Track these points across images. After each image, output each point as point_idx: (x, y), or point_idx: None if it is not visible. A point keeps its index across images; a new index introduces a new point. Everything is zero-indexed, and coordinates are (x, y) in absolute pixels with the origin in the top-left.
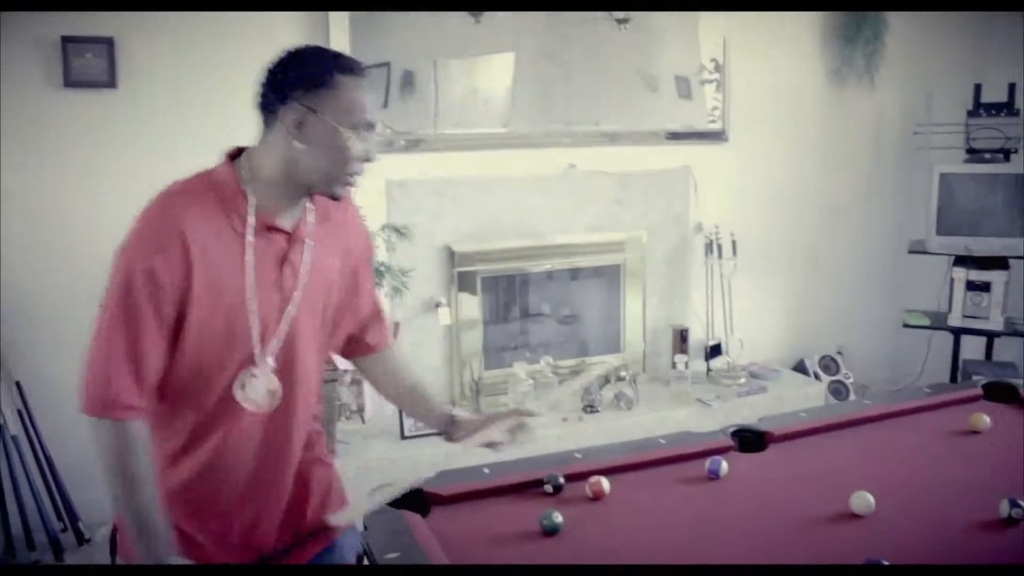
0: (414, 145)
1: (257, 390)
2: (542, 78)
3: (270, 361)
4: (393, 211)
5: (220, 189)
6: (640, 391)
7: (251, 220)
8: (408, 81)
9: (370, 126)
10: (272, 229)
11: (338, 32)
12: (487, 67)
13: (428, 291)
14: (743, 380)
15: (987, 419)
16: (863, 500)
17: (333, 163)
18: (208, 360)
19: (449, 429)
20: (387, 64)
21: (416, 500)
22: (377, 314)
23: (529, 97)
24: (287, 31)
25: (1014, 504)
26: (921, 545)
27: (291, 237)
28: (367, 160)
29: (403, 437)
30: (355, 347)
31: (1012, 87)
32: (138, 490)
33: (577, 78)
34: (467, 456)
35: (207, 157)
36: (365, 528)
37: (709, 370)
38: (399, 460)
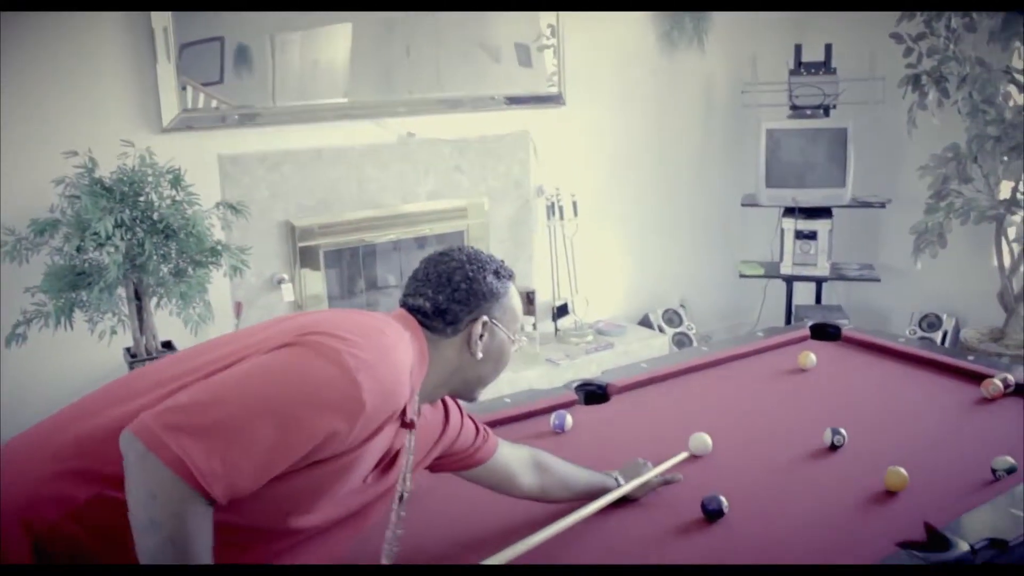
0: (249, 119)
1: None
2: (382, 49)
3: None
4: (228, 187)
5: (418, 370)
6: None
7: (410, 413)
8: (243, 55)
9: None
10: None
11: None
12: (325, 38)
13: (269, 268)
14: (590, 338)
15: (813, 357)
16: (700, 441)
17: (496, 371)
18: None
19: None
20: (220, 39)
21: None
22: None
23: (370, 67)
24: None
25: (836, 432)
26: (757, 478)
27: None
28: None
29: None
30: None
31: (829, 47)
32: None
33: (418, 48)
34: None
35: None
36: None
37: (557, 330)
38: None
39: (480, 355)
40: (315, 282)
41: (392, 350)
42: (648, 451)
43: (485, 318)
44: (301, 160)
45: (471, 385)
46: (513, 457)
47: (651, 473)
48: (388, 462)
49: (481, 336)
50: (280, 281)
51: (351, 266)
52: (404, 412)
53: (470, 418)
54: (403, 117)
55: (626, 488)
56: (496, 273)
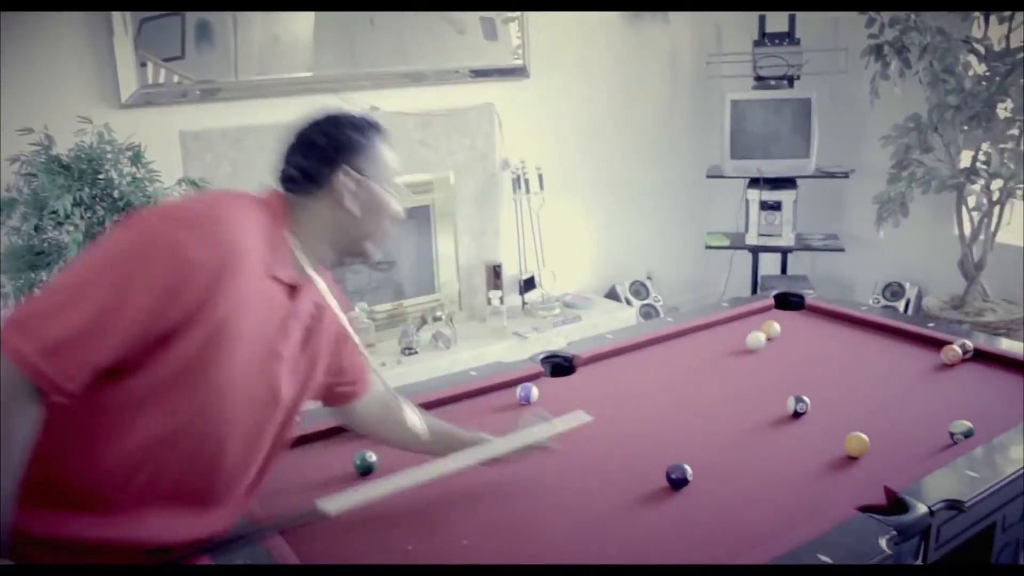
0: (210, 95)
1: None
2: (345, 22)
3: None
4: (190, 164)
5: (272, 228)
6: (458, 329)
7: (294, 272)
8: (204, 31)
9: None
10: (295, 288)
11: None
12: (287, 12)
13: None
14: (558, 311)
15: (777, 326)
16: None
17: (379, 225)
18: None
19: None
20: (181, 14)
21: None
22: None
23: (333, 41)
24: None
25: (799, 400)
26: (721, 446)
27: (301, 294)
28: (400, 218)
29: None
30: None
31: (792, 18)
32: (8, 468)
33: (382, 21)
34: None
35: None
36: None
37: (524, 303)
38: None
39: (357, 210)
40: None
41: (217, 205)
42: (614, 422)
43: (347, 168)
44: (264, 135)
45: (358, 241)
46: (389, 397)
47: (517, 442)
48: (305, 337)
49: (352, 191)
50: None
51: None
52: (284, 255)
53: None
54: (367, 91)
55: (500, 449)
56: (354, 126)
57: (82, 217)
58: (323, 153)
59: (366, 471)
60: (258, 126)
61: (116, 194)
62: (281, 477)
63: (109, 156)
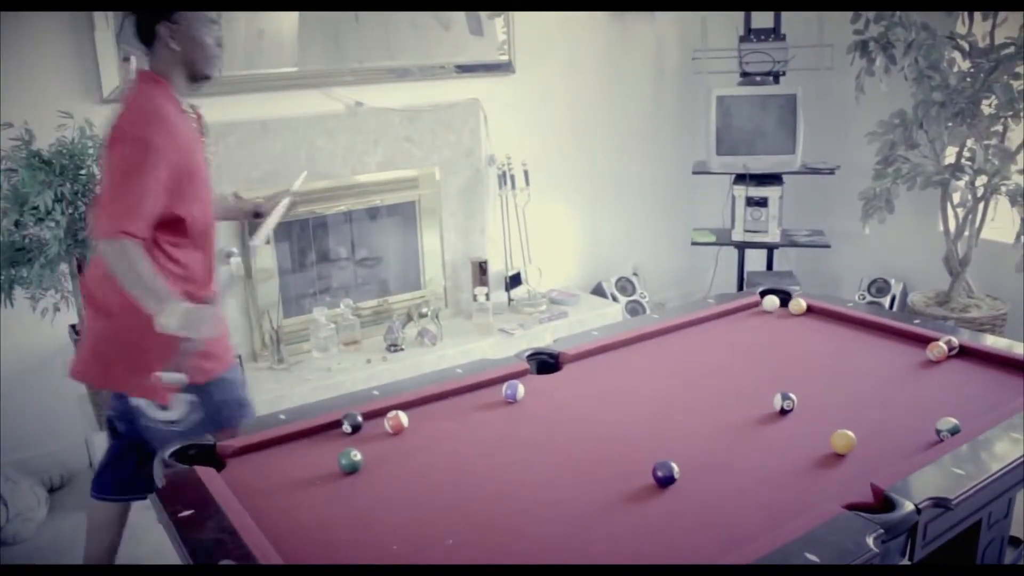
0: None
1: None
2: (331, 18)
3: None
4: None
5: (164, 86)
6: (443, 326)
7: (178, 106)
8: None
9: (212, 22)
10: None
11: None
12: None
13: (218, 243)
14: (544, 307)
15: (803, 303)
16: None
17: (204, 53)
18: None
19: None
20: None
21: (210, 454)
22: None
23: (318, 36)
24: None
25: (785, 396)
26: (707, 444)
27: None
28: (220, 45)
29: None
30: None
31: (778, 14)
32: (151, 276)
33: (367, 16)
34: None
35: None
36: (157, 488)
37: (510, 300)
38: None
39: (177, 47)
40: (265, 255)
41: (144, 103)
42: (598, 419)
43: (163, 24)
44: (247, 131)
45: (194, 66)
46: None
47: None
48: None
49: (171, 36)
50: (229, 255)
51: (301, 239)
52: (175, 99)
53: None
54: (352, 86)
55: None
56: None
57: (63, 213)
58: (145, 24)
59: (351, 470)
60: (242, 121)
61: (98, 190)
62: (268, 475)
63: (91, 151)
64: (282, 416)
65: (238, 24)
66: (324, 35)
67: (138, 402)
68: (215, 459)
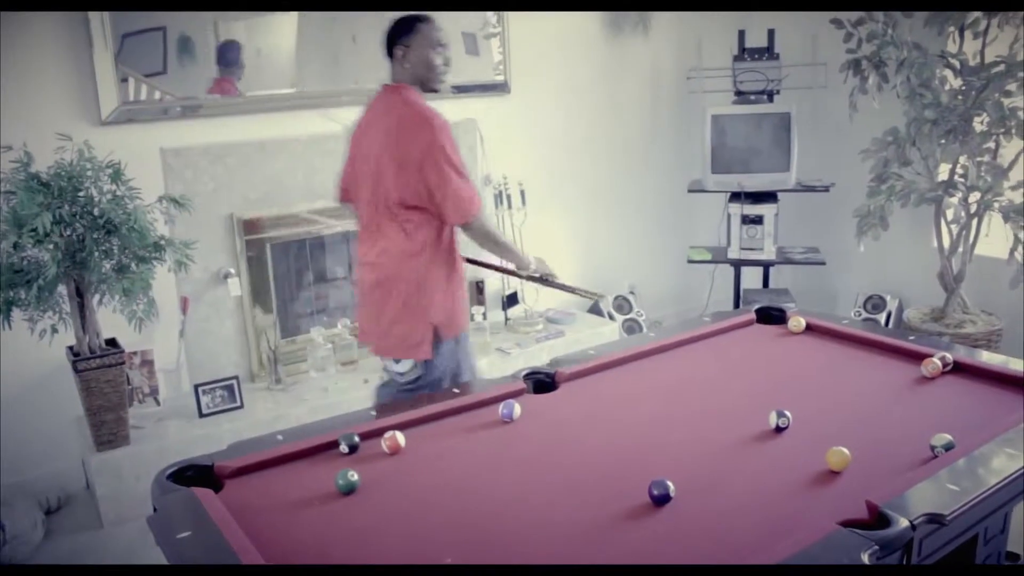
0: (192, 111)
1: None
2: (328, 38)
3: None
4: (171, 181)
5: (410, 90)
6: None
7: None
8: (186, 46)
9: (440, 44)
10: None
11: None
12: (269, 28)
13: (216, 263)
14: (541, 326)
15: (802, 321)
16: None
17: (431, 69)
18: None
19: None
20: (162, 28)
21: (208, 476)
22: None
23: (316, 57)
24: None
25: (781, 414)
26: (703, 462)
27: None
28: (447, 65)
29: (201, 415)
30: None
31: (771, 33)
32: (505, 238)
33: (364, 37)
34: (264, 427)
35: None
36: (155, 509)
37: (507, 319)
38: (199, 439)
39: (409, 65)
40: (262, 275)
41: (405, 103)
42: (594, 438)
43: (398, 46)
44: (245, 152)
45: (423, 81)
46: None
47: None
48: None
49: (404, 56)
50: (227, 275)
51: (299, 259)
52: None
53: None
54: (349, 107)
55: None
56: (404, 22)
57: (61, 235)
58: (389, 41)
59: (348, 490)
60: (240, 142)
61: (96, 212)
62: (266, 496)
63: (89, 173)
64: (279, 437)
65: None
66: (322, 56)
67: (385, 360)
68: (213, 480)
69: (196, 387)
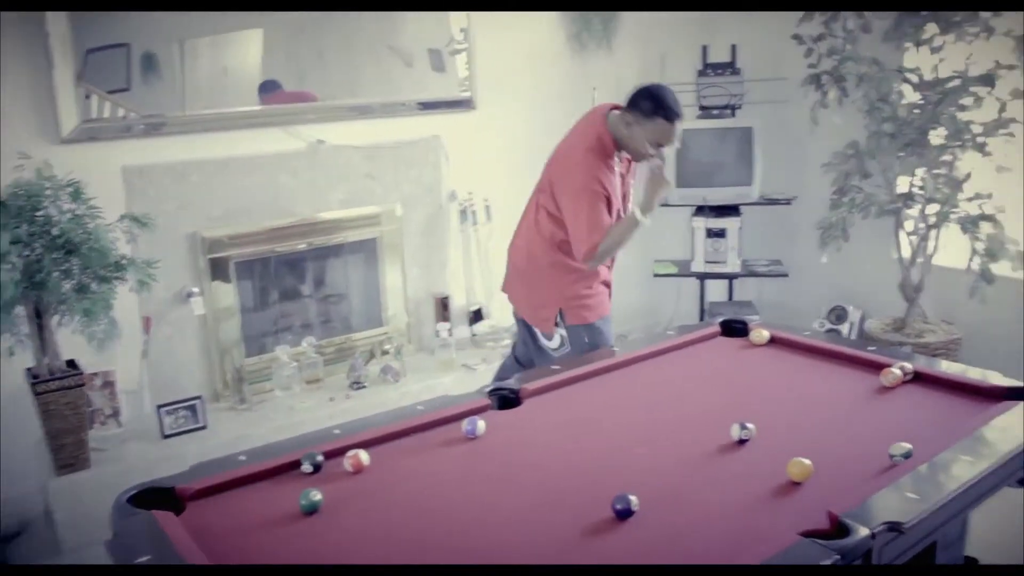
0: (154, 129)
1: None
2: (294, 54)
3: None
4: (133, 200)
5: (608, 144)
6: (406, 362)
7: (617, 161)
8: (150, 63)
9: (660, 146)
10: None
11: (56, 16)
12: (235, 45)
13: (179, 282)
14: (507, 341)
15: (765, 333)
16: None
17: (633, 148)
18: None
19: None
20: (126, 45)
21: (170, 498)
22: None
23: (283, 74)
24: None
25: (743, 426)
26: (666, 475)
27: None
28: (655, 155)
29: (164, 436)
30: None
31: (734, 48)
32: (620, 234)
33: (330, 54)
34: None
35: None
36: (114, 534)
37: (473, 335)
38: (162, 460)
39: (626, 129)
40: (226, 294)
41: (588, 153)
42: (557, 453)
43: (636, 113)
44: (209, 170)
45: (626, 147)
46: None
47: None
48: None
49: (631, 121)
50: (190, 294)
51: (263, 277)
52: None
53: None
54: (315, 124)
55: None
56: (657, 104)
57: (19, 255)
58: (635, 97)
59: (311, 510)
60: (205, 160)
61: (55, 231)
62: (228, 517)
63: (48, 193)
64: (242, 457)
65: (202, 61)
66: (288, 73)
67: (536, 331)
68: (174, 503)
69: (159, 408)
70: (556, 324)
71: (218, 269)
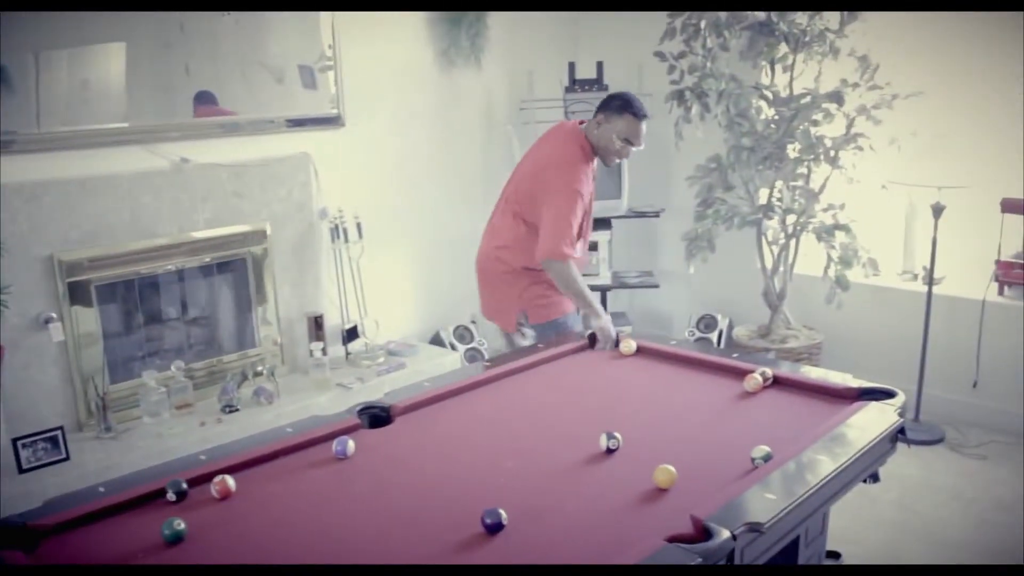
0: (4, 146)
1: None
2: (161, 69)
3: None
4: None
5: (587, 150)
6: (280, 383)
7: (594, 165)
8: (1, 76)
9: (629, 143)
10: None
11: None
12: (96, 58)
13: (35, 307)
14: (382, 359)
15: (633, 344)
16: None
17: (607, 150)
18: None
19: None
20: None
21: (21, 537)
22: None
23: (147, 90)
24: None
25: (611, 436)
26: (536, 487)
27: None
28: (622, 156)
29: (21, 470)
30: None
31: (600, 65)
32: (584, 288)
33: (197, 69)
34: (94, 478)
35: None
36: None
37: (348, 353)
38: (19, 496)
39: (596, 131)
40: (87, 318)
41: (569, 154)
42: (430, 470)
43: (600, 113)
44: (65, 190)
45: (597, 149)
46: None
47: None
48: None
49: (599, 123)
50: (48, 320)
51: (127, 300)
52: (591, 159)
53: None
54: (179, 142)
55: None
56: (626, 102)
57: None
58: (603, 101)
59: (175, 539)
60: (57, 180)
61: None
62: (86, 553)
63: None
64: (101, 489)
65: (61, 74)
66: (154, 88)
67: (513, 335)
68: (26, 541)
69: (14, 441)
70: (520, 324)
71: (78, 293)
